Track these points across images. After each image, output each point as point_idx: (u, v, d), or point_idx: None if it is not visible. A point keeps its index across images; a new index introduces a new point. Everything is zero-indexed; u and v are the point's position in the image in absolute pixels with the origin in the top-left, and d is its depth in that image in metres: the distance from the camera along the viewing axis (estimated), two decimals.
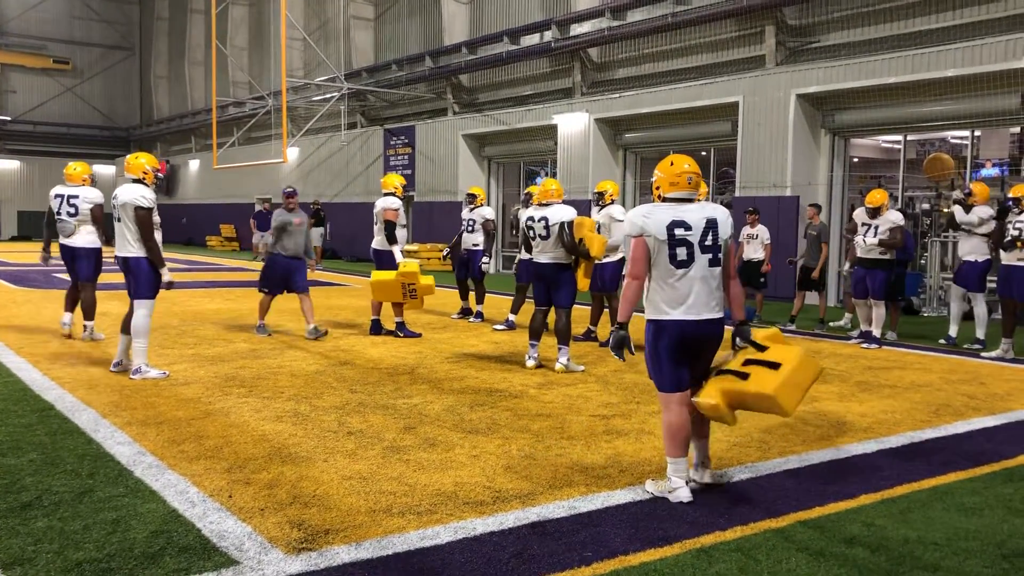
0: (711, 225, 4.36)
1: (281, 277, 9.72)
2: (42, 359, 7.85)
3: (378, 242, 9.93)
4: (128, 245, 7.04)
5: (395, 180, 10.08)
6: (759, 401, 4.32)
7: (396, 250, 9.69)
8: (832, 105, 15.42)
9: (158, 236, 7.20)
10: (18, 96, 42.69)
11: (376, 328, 9.90)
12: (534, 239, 8.05)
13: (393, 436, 5.39)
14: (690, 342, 4.37)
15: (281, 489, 4.31)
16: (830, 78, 14.87)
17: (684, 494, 4.29)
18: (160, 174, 7.37)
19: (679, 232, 4.30)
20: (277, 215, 9.75)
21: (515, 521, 3.95)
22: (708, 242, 4.34)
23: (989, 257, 9.94)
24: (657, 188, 4.50)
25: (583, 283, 8.21)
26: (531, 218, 8.07)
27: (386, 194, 9.94)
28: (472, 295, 11.69)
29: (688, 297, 4.31)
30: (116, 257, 7.19)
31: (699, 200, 4.50)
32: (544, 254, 7.98)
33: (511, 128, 21.82)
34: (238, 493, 4.23)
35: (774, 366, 4.36)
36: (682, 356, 4.38)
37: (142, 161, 7.25)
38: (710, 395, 4.33)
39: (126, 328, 7.26)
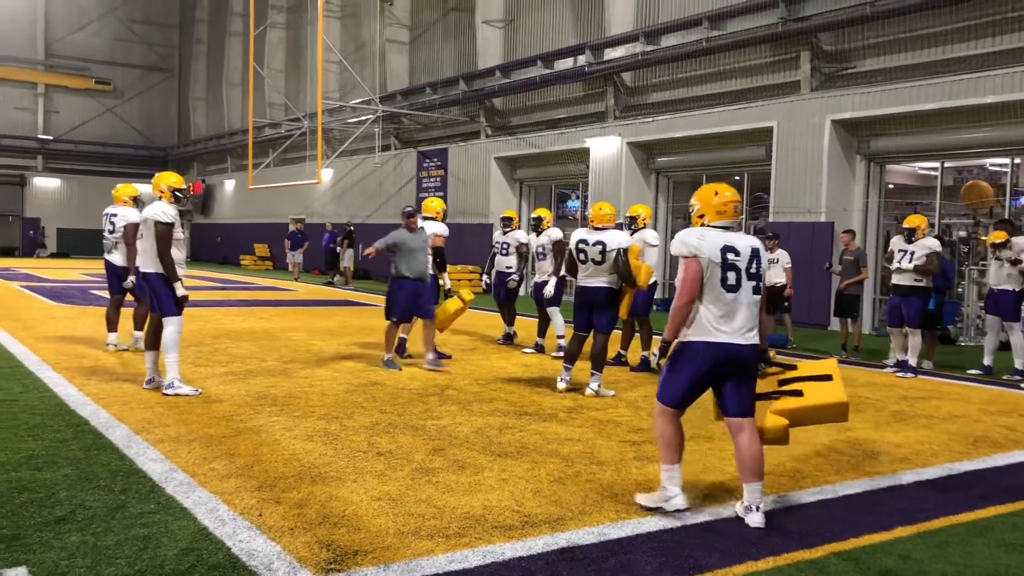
0: (755, 254, 4.51)
1: (409, 302, 9.03)
2: (78, 375, 7.95)
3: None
4: (148, 262, 7.18)
5: (438, 205, 10.05)
6: (827, 411, 4.58)
7: (445, 276, 9.72)
8: (868, 131, 15.30)
9: (180, 254, 7.29)
10: (60, 116, 43.59)
11: (401, 347, 9.81)
12: (585, 263, 7.90)
13: (422, 457, 5.38)
14: (731, 363, 4.42)
15: (311, 509, 4.31)
16: (866, 104, 14.77)
17: (680, 501, 4.44)
18: (179, 192, 7.43)
19: (731, 257, 4.41)
20: (396, 236, 9.07)
21: (544, 546, 3.92)
22: (753, 269, 4.47)
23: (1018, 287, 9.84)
24: (701, 216, 4.58)
25: (623, 311, 8.17)
26: (584, 241, 7.88)
27: (427, 218, 9.87)
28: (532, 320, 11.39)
29: (735, 320, 4.39)
30: (138, 273, 7.39)
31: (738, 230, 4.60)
32: (594, 279, 7.85)
33: (543, 151, 21.89)
34: (268, 512, 4.24)
35: (826, 378, 4.60)
36: (708, 377, 4.47)
37: (160, 180, 7.39)
38: (774, 419, 4.49)
39: (150, 344, 7.36)
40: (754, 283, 4.46)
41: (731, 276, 4.40)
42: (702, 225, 4.56)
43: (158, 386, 7.27)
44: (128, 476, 4.76)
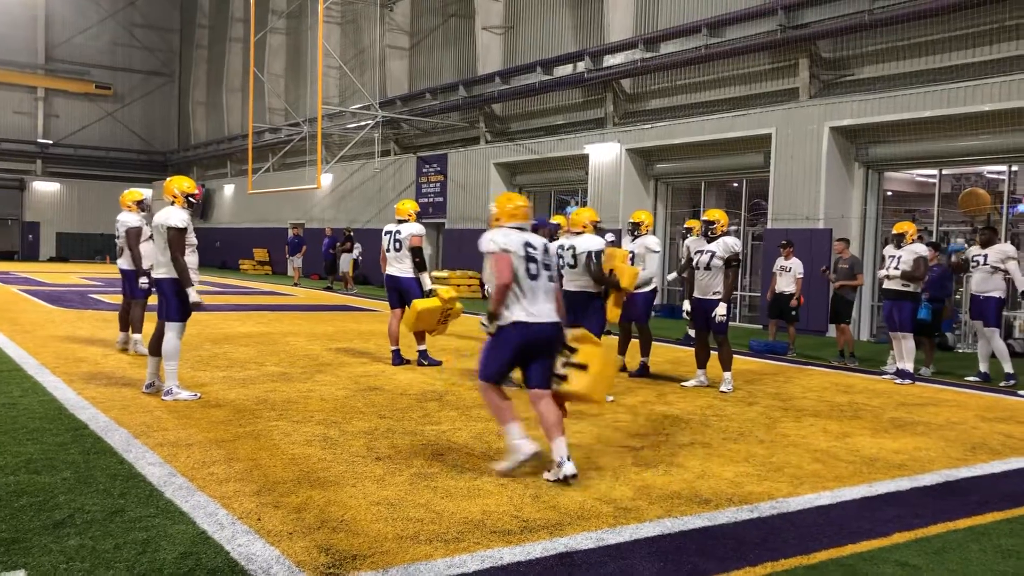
0: (547, 249, 5.36)
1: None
2: (77, 379, 7.96)
3: (400, 269, 9.70)
4: (160, 267, 7.17)
5: (411, 206, 9.99)
6: (578, 399, 5.44)
7: (425, 277, 9.66)
8: (866, 138, 15.35)
9: (193, 259, 7.30)
10: (60, 120, 43.69)
11: (398, 359, 9.81)
12: (563, 268, 8.04)
13: (421, 462, 5.39)
14: (538, 341, 5.17)
15: (309, 513, 4.32)
16: (864, 111, 14.81)
17: (528, 446, 5.08)
18: (192, 197, 7.43)
19: (530, 251, 5.20)
20: None
21: (543, 551, 3.93)
22: (547, 261, 5.30)
23: (1002, 295, 9.95)
24: (498, 220, 5.36)
25: (613, 313, 8.19)
26: (561, 246, 8.04)
27: (400, 220, 9.79)
28: None
29: (537, 303, 5.15)
30: (150, 278, 7.33)
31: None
32: (572, 282, 7.95)
33: (543, 157, 21.93)
34: (267, 516, 4.24)
35: (582, 367, 5.35)
36: (520, 354, 5.18)
37: (173, 185, 7.38)
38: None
39: (154, 350, 7.35)
40: (548, 273, 5.27)
41: (532, 267, 5.18)
42: (499, 227, 5.28)
43: (158, 390, 7.28)
44: (127, 480, 4.77)
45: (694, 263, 8.84)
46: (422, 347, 9.78)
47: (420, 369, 9.49)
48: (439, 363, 9.82)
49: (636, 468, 5.46)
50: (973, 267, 10.18)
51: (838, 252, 11.84)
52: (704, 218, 8.96)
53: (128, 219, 9.59)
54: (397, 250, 9.69)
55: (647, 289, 9.38)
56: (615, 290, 7.99)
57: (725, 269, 8.59)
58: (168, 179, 7.49)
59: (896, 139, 14.91)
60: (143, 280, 9.35)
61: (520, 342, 5.13)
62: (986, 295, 10.00)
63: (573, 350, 5.38)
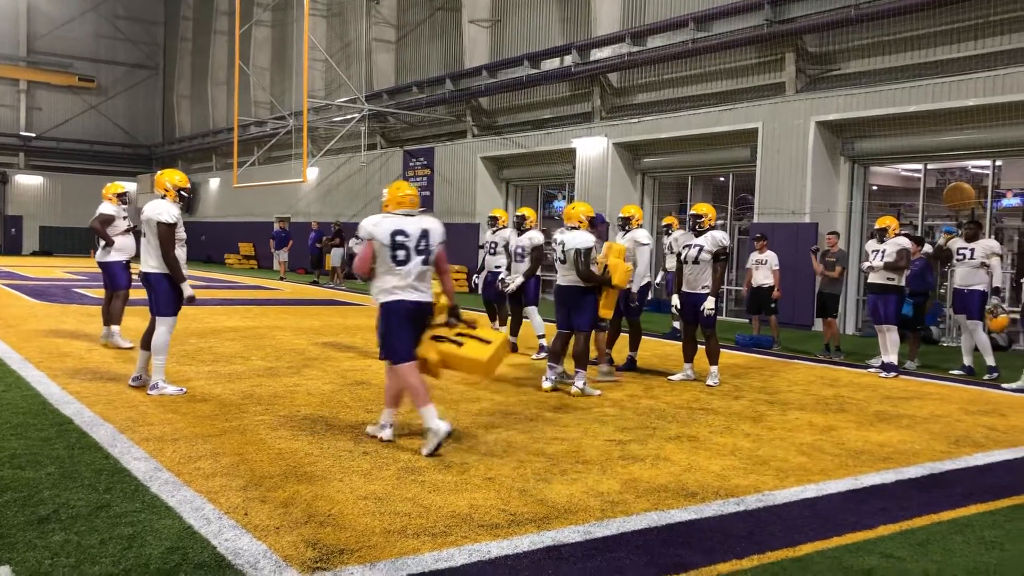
0: (424, 234, 5.71)
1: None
2: (60, 373, 7.91)
3: None
4: (150, 260, 7.10)
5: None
6: (470, 365, 5.98)
7: None
8: (852, 133, 15.41)
9: (182, 253, 7.27)
10: (43, 113, 43.28)
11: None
12: (556, 261, 8.06)
13: (408, 457, 5.38)
14: (409, 316, 5.66)
15: (296, 508, 4.31)
16: (850, 106, 14.87)
17: (444, 425, 5.46)
18: (184, 191, 7.37)
19: (400, 238, 5.63)
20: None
21: (530, 545, 3.93)
22: (421, 247, 5.69)
23: (986, 288, 10.04)
24: (387, 205, 5.77)
25: (606, 311, 8.19)
26: (553, 238, 8.08)
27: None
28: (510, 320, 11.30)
29: (407, 284, 5.62)
30: (139, 273, 7.24)
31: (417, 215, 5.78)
32: (564, 277, 7.98)
33: (530, 151, 21.91)
34: (254, 511, 4.23)
35: (485, 341, 5.97)
36: (406, 324, 5.65)
37: (164, 178, 7.30)
38: (428, 351, 5.77)
39: (145, 344, 7.30)
40: (423, 257, 5.67)
41: (400, 253, 5.62)
42: (386, 212, 5.72)
43: (144, 384, 7.24)
44: (112, 475, 4.75)
45: (682, 257, 8.86)
46: None
47: None
48: None
49: (623, 462, 5.48)
50: (958, 260, 10.25)
51: (829, 245, 11.88)
52: (692, 212, 8.97)
53: (103, 208, 9.76)
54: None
55: (642, 283, 9.41)
56: (607, 287, 7.99)
57: (713, 263, 8.61)
58: (160, 172, 7.41)
59: (881, 134, 14.98)
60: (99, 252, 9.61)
61: (399, 316, 5.67)
62: (970, 288, 10.09)
63: (473, 325, 6.02)
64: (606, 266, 7.94)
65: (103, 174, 42.04)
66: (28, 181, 42.65)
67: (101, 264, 9.90)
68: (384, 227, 5.62)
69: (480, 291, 11.41)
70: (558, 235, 8.05)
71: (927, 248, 11.15)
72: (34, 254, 40.73)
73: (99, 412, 6.31)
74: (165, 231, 7.00)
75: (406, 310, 5.62)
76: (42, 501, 4.26)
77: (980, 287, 10.06)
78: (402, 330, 5.63)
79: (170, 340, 7.23)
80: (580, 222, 7.98)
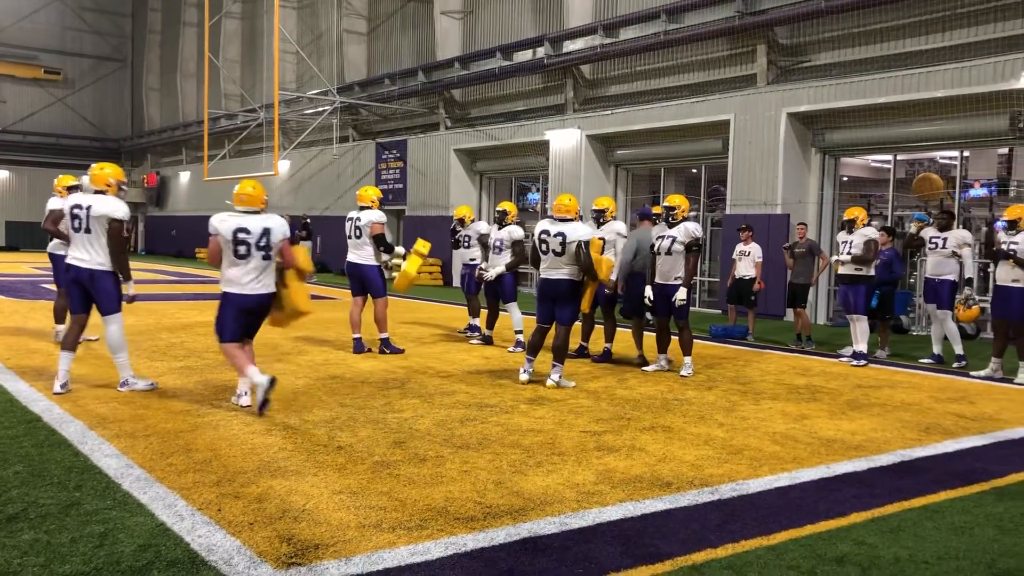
0: (266, 232, 6.33)
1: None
2: (29, 370, 7.80)
3: (361, 256, 9.62)
4: (96, 257, 6.73)
5: (374, 193, 9.92)
6: (293, 309, 6.70)
7: (397, 249, 9.93)
8: (822, 124, 15.53)
9: None
10: (8, 106, 42.61)
11: (360, 347, 9.73)
12: (546, 254, 7.89)
13: (383, 451, 5.36)
14: (247, 309, 6.39)
15: (271, 503, 4.28)
16: (820, 97, 14.98)
17: (263, 376, 6.17)
18: (124, 185, 7.05)
19: (241, 235, 6.25)
20: (638, 235, 9.37)
21: (506, 537, 3.93)
22: (262, 243, 6.29)
23: (957, 278, 10.15)
24: (241, 202, 6.47)
25: (586, 303, 8.19)
26: (546, 231, 7.85)
27: (364, 207, 9.70)
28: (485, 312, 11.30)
29: (247, 278, 6.31)
30: (75, 270, 6.78)
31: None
32: (556, 270, 7.84)
33: (503, 143, 21.88)
34: (227, 507, 4.19)
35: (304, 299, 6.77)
36: (240, 317, 6.37)
37: (106, 174, 6.87)
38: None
39: (71, 346, 6.88)
40: (263, 253, 6.30)
41: (241, 248, 6.25)
42: (233, 211, 6.40)
43: (70, 391, 6.88)
44: (83, 473, 4.68)
45: (655, 248, 8.87)
46: (384, 335, 9.72)
47: (381, 357, 9.44)
48: (401, 351, 9.77)
49: (598, 452, 5.49)
50: (930, 249, 10.36)
51: (799, 236, 11.98)
52: (665, 204, 8.98)
53: (51, 203, 9.23)
54: (358, 237, 9.61)
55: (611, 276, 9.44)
56: (591, 281, 7.98)
57: (686, 254, 8.64)
58: (96, 167, 6.94)
59: (852, 125, 15.11)
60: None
61: (235, 309, 6.34)
62: (941, 278, 10.21)
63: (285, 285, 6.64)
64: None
65: (71, 168, 41.32)
66: None
67: (53, 256, 9.31)
68: (228, 224, 6.29)
69: (461, 285, 11.45)
70: (549, 226, 7.87)
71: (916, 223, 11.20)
72: (0, 249, 40.12)
73: (68, 409, 6.23)
74: (118, 228, 6.78)
75: (243, 303, 6.35)
76: (10, 500, 4.20)
77: (951, 277, 10.18)
78: (236, 321, 6.37)
79: (137, 336, 7.13)
80: (577, 215, 7.97)
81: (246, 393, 6.50)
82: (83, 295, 6.81)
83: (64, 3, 43.78)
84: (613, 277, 9.31)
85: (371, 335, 10.08)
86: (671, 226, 8.78)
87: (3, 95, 42.48)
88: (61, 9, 43.75)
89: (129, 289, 6.94)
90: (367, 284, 9.63)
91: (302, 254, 6.81)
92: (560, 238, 7.75)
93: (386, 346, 9.69)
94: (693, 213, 18.95)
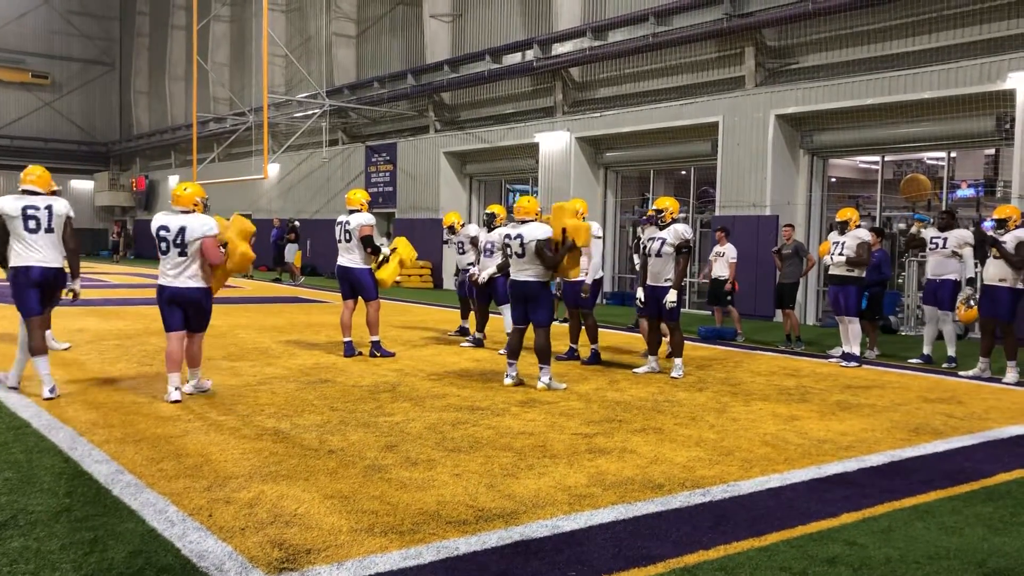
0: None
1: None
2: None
3: (351, 260, 9.60)
4: (58, 257, 6.79)
5: (362, 196, 9.91)
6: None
7: (384, 249, 9.79)
8: (810, 126, 15.59)
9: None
10: None
11: (350, 350, 9.72)
12: (510, 257, 8.04)
13: (375, 455, 5.35)
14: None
15: (262, 508, 4.26)
16: (808, 99, 15.04)
17: (176, 395, 6.73)
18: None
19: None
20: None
21: (498, 540, 3.93)
22: (178, 241, 6.78)
23: (958, 278, 10.16)
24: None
25: (574, 271, 8.25)
26: (508, 235, 8.06)
27: (353, 211, 9.69)
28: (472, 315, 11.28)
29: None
30: (35, 270, 6.67)
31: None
32: (521, 272, 7.95)
33: (493, 146, 21.89)
34: (218, 512, 4.18)
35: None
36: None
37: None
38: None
39: (41, 348, 6.82)
40: (179, 249, 6.81)
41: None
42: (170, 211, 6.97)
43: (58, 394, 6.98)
44: (73, 479, 4.66)
45: (646, 250, 8.90)
46: (375, 338, 9.71)
47: (372, 360, 9.43)
48: (392, 354, 9.76)
49: (590, 455, 5.50)
50: (931, 249, 10.35)
51: (785, 237, 12.02)
52: (655, 206, 9.00)
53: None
54: (347, 240, 9.60)
55: (593, 276, 9.45)
56: (571, 250, 7.96)
57: (676, 256, 8.66)
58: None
59: (840, 126, 15.18)
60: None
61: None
62: (942, 278, 10.20)
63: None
64: (563, 229, 7.91)
65: (60, 172, 41.22)
66: None
67: None
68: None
69: (456, 289, 11.45)
70: (511, 230, 8.05)
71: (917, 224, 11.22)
72: None
73: (58, 415, 6.20)
74: (72, 225, 6.92)
75: (167, 294, 6.91)
76: (0, 507, 4.17)
77: (952, 277, 10.16)
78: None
79: (128, 341, 7.12)
80: (538, 215, 8.07)
81: (177, 388, 6.85)
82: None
83: (51, 7, 43.57)
84: (587, 280, 9.32)
85: (361, 338, 10.07)
86: (661, 228, 8.81)
87: None
88: (48, 13, 43.54)
89: (77, 286, 7.13)
90: (358, 287, 9.63)
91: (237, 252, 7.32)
92: (519, 239, 7.87)
93: (377, 349, 9.68)
94: (682, 215, 19.01)
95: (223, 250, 7.12)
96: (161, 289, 6.94)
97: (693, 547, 3.91)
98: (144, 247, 40.70)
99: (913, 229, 10.82)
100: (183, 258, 6.80)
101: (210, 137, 33.52)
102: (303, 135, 28.36)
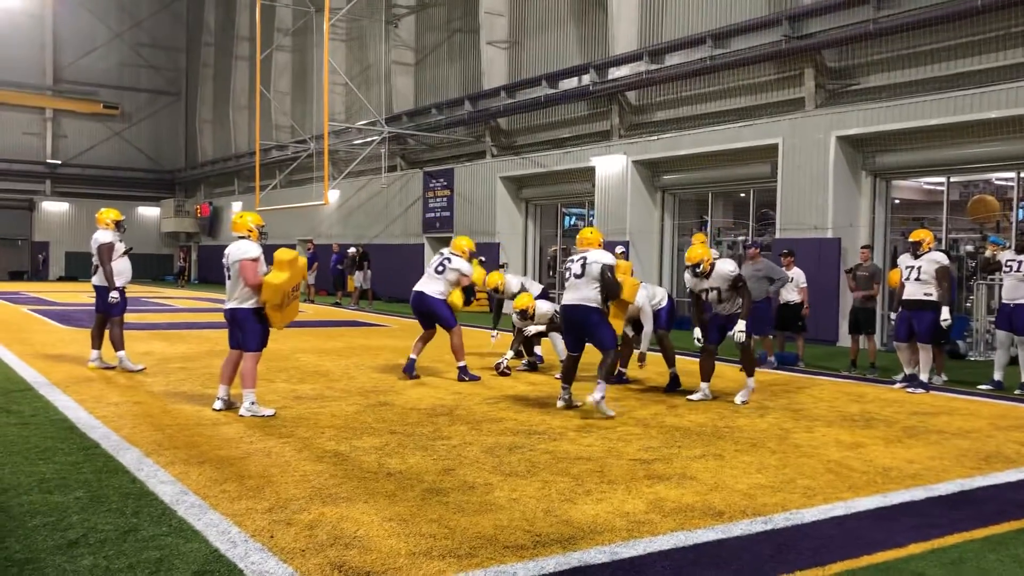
0: (227, 256, 7.48)
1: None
2: (88, 398, 7.98)
3: (431, 288, 9.80)
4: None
5: (467, 244, 10.18)
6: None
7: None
8: (873, 147, 15.32)
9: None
10: (68, 140, 43.93)
11: (410, 368, 9.83)
12: (567, 279, 7.99)
13: (432, 478, 5.38)
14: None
15: (322, 530, 4.31)
16: (871, 120, 14.79)
17: (217, 404, 7.47)
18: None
19: (225, 261, 7.51)
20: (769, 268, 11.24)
21: (556, 566, 3.91)
22: (227, 266, 7.51)
23: None
24: None
25: (618, 326, 8.17)
26: (571, 259, 8.05)
27: (455, 255, 9.96)
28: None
29: None
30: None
31: None
32: (575, 296, 7.85)
33: (549, 170, 21.95)
34: (280, 533, 4.24)
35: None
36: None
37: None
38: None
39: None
40: (227, 273, 7.52)
41: (225, 272, 7.50)
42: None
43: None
44: (139, 499, 4.77)
45: (705, 299, 8.81)
46: (462, 363, 9.77)
47: (430, 383, 9.49)
48: (478, 378, 9.79)
49: (648, 481, 5.44)
50: (1006, 272, 10.05)
51: (862, 259, 11.72)
52: (688, 261, 8.74)
53: (101, 236, 9.85)
54: (439, 273, 9.85)
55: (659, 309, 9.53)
56: (616, 302, 7.95)
57: (735, 292, 8.58)
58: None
59: (903, 147, 14.87)
60: (114, 295, 9.70)
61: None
62: (1017, 302, 9.87)
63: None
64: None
65: (128, 200, 42.62)
66: (54, 208, 43.23)
67: (97, 288, 9.92)
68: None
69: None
70: (573, 255, 8.09)
71: (992, 247, 10.92)
72: (60, 280, 41.20)
73: (125, 436, 6.36)
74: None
75: (226, 315, 7.58)
76: (71, 525, 4.29)
77: None
78: (229, 330, 7.68)
79: (191, 363, 7.30)
80: (599, 244, 8.18)
81: (218, 399, 7.54)
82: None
83: (122, 40, 45.14)
84: (643, 348, 9.43)
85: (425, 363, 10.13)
86: (706, 277, 8.66)
87: (64, 130, 43.84)
88: (119, 45, 45.11)
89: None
90: (436, 318, 9.81)
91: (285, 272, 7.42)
92: (582, 260, 7.87)
93: (464, 374, 9.74)
94: (741, 237, 18.80)
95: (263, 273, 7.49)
96: (224, 311, 7.69)
97: (755, 575, 3.84)
98: (207, 272, 41.72)
99: (988, 252, 10.52)
100: (230, 281, 7.49)
101: (272, 164, 34.25)
102: (362, 161, 28.81)
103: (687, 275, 8.87)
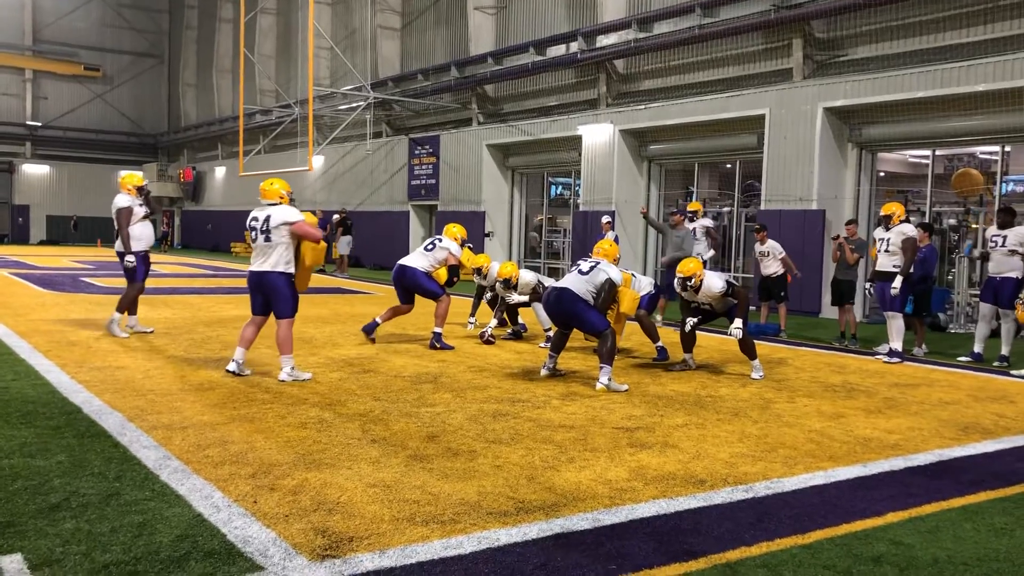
0: (267, 219, 7.36)
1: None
2: (69, 362, 7.93)
3: (417, 262, 9.90)
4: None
5: (459, 231, 10.25)
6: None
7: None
8: (859, 119, 15.33)
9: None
10: (49, 102, 43.36)
11: (371, 328, 10.03)
12: (571, 270, 8.16)
13: (416, 444, 5.39)
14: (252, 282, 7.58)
15: (305, 496, 4.32)
16: (857, 92, 14.79)
17: (231, 367, 7.56)
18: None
19: (252, 223, 7.45)
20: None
21: (539, 532, 3.94)
22: (264, 228, 7.36)
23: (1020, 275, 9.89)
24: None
25: (618, 329, 8.17)
26: (583, 258, 8.21)
27: (442, 237, 10.10)
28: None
29: None
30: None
31: None
32: (569, 281, 7.91)
33: (536, 138, 21.87)
34: (263, 499, 4.24)
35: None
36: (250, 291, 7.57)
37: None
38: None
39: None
40: (264, 235, 7.31)
41: (253, 234, 7.41)
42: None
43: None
44: (122, 463, 4.76)
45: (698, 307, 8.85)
46: (438, 329, 9.78)
47: (413, 352, 9.49)
48: (451, 347, 9.79)
49: (631, 449, 5.48)
50: (991, 247, 10.13)
51: (848, 233, 11.74)
52: (680, 275, 8.59)
53: (120, 200, 9.75)
54: (428, 250, 9.98)
55: (644, 293, 9.62)
56: (615, 314, 8.05)
57: (728, 298, 8.57)
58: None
59: (889, 119, 14.89)
60: (129, 259, 9.65)
61: (248, 283, 7.47)
62: (1003, 276, 9.96)
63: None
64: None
65: (110, 163, 42.22)
66: (34, 170, 42.77)
67: (120, 254, 9.83)
68: (249, 217, 7.45)
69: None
70: (587, 256, 8.31)
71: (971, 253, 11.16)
72: (41, 243, 40.83)
73: (107, 401, 6.33)
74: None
75: (252, 279, 7.45)
76: (53, 489, 4.28)
77: (1014, 274, 9.88)
78: (252, 296, 7.50)
79: (175, 329, 7.28)
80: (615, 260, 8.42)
81: (233, 361, 7.59)
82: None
83: (103, 0, 44.40)
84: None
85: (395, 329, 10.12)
86: (696, 291, 8.63)
87: (44, 92, 43.25)
88: (100, 6, 44.42)
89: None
90: (421, 290, 9.87)
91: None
92: (596, 264, 7.99)
93: (437, 340, 9.75)
94: (727, 208, 18.83)
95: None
96: (249, 275, 7.55)
97: (735, 543, 3.88)
98: (190, 237, 41.45)
99: (976, 254, 10.72)
100: (267, 243, 7.30)
101: (256, 129, 33.94)
102: (347, 127, 28.59)
103: (677, 285, 8.76)
